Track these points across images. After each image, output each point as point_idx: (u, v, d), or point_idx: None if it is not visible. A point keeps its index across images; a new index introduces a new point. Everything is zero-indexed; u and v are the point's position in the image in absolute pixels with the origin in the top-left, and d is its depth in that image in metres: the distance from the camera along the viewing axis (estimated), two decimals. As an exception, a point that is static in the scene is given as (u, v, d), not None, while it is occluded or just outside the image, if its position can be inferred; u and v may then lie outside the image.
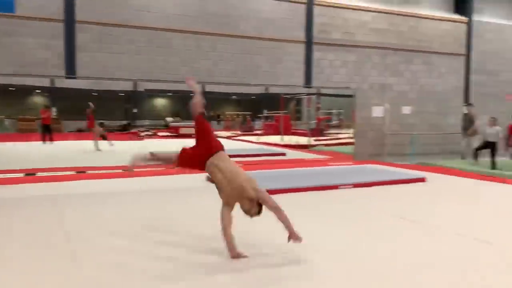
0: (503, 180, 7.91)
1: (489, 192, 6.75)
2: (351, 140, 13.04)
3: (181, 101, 22.01)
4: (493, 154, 10.94)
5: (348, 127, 17.12)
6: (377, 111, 15.58)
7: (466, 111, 13.18)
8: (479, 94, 18.48)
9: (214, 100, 19.86)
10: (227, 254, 3.34)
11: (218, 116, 22.54)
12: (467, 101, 17.14)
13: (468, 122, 12.87)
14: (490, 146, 11.05)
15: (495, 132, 11.09)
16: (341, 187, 6.52)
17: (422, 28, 17.51)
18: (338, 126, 19.24)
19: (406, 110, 15.07)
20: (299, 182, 6.52)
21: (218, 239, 3.38)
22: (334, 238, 4.01)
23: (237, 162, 9.89)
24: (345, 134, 16.41)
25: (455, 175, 8.26)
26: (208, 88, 15.66)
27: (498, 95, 18.67)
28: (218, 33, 14.62)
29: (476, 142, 12.32)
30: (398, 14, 16.98)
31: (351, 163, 9.72)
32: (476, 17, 18.58)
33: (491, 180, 7.72)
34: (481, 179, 7.81)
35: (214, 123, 20.11)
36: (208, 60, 14.62)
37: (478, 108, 16.34)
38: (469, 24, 18.41)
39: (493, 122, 11.31)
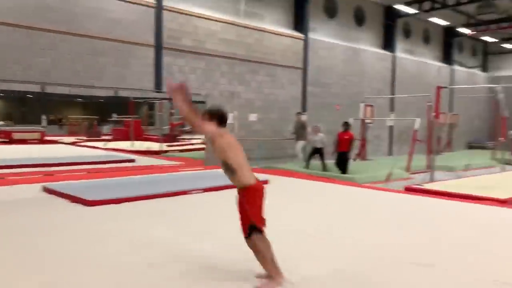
0: (332, 180, 9.08)
1: (321, 190, 7.66)
2: (204, 146, 13.29)
3: (13, 102, 19.54)
4: (322, 158, 12.37)
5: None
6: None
7: (297, 119, 14.55)
8: (315, 104, 20.72)
9: (55, 103, 18.15)
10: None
11: (60, 120, 20.62)
12: (304, 110, 19.04)
13: (301, 129, 14.23)
14: (317, 151, 12.46)
15: (319, 139, 12.51)
16: (192, 192, 6.65)
17: (266, 41, 18.88)
18: (191, 132, 19.41)
19: (253, 117, 16.08)
20: (148, 189, 6.44)
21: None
22: (182, 242, 4.09)
23: (82, 170, 9.26)
24: (198, 140, 16.64)
25: (293, 176, 9.15)
26: (48, 89, 14.25)
27: (330, 105, 21.17)
28: (59, 30, 13.47)
29: (308, 147, 13.72)
30: (244, 27, 18.00)
31: (202, 168, 9.94)
32: (311, 35, 20.80)
33: (322, 181, 8.78)
34: (314, 179, 8.84)
35: (55, 128, 18.36)
36: (45, 58, 13.33)
37: (314, 116, 18.33)
38: (305, 41, 20.51)
39: (317, 129, 12.71)
